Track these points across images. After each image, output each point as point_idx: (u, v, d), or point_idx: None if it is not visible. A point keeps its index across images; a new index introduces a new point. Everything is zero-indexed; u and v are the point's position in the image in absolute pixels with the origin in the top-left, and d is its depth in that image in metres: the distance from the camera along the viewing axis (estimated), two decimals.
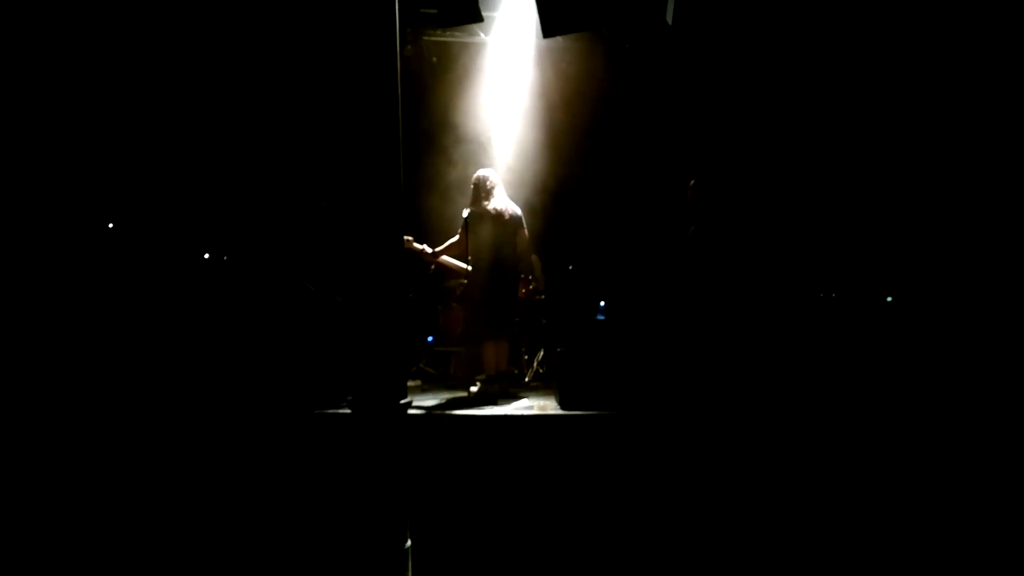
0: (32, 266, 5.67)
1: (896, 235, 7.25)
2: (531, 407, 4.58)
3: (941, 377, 4.52)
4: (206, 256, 6.34)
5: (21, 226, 5.89)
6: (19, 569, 3.74)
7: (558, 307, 6.87)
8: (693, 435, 4.03)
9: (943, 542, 3.74)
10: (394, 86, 3.40)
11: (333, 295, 5.62)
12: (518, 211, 5.32)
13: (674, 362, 4.48)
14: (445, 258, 5.70)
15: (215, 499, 4.06)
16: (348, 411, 3.32)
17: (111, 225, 6.47)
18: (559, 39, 6.85)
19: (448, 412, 4.32)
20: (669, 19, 5.03)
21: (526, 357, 6.24)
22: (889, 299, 6.35)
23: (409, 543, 3.35)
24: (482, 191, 5.20)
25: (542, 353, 6.37)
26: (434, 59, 7.34)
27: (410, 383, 5.76)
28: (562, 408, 4.37)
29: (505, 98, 7.23)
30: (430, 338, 6.82)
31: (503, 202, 5.23)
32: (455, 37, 7.15)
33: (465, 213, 5.21)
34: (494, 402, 4.79)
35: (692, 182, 5.84)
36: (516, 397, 5.08)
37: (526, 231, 5.35)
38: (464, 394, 5.28)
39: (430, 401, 4.83)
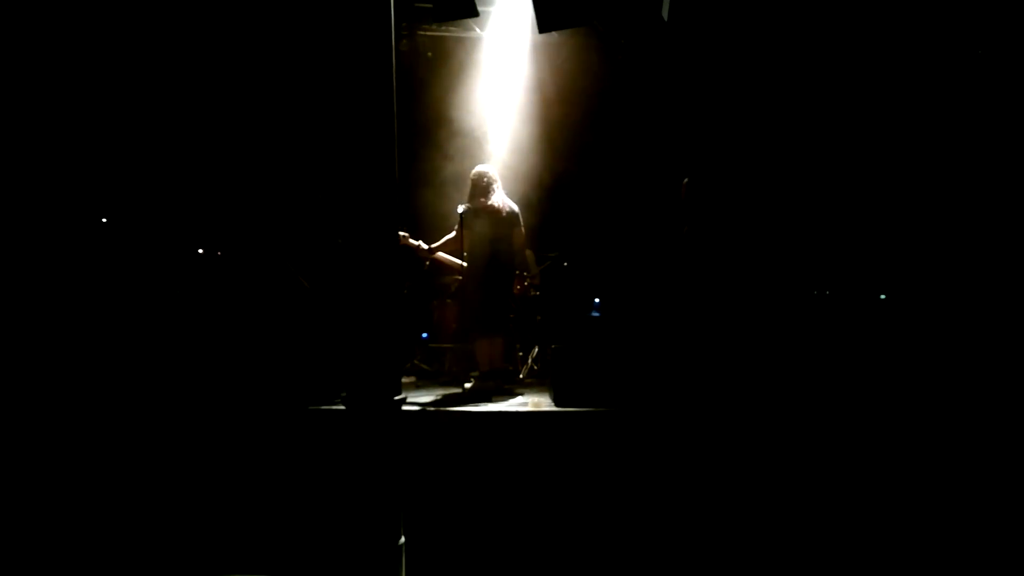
0: (26, 261, 5.63)
1: (890, 232, 7.27)
2: (525, 404, 4.58)
3: (935, 374, 4.54)
4: (200, 251, 6.30)
5: (16, 221, 5.85)
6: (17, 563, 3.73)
7: (553, 304, 6.86)
8: (687, 432, 4.04)
9: (941, 538, 3.76)
10: (389, 81, 3.38)
11: (327, 290, 5.61)
12: (515, 208, 5.31)
13: (668, 359, 4.49)
14: (440, 254, 5.68)
15: (209, 495, 4.05)
16: (342, 407, 3.31)
17: (104, 220, 6.43)
18: (554, 34, 6.84)
19: (442, 408, 4.32)
20: (665, 15, 5.03)
21: (520, 354, 6.23)
22: (883, 297, 6.36)
23: (403, 540, 3.34)
24: (479, 187, 5.18)
25: (536, 350, 6.37)
26: (429, 54, 7.32)
27: (404, 379, 5.75)
28: (556, 405, 4.37)
29: (500, 94, 7.21)
30: (424, 334, 6.81)
31: (500, 198, 5.22)
32: (450, 32, 7.12)
33: (461, 209, 5.19)
34: (488, 399, 4.79)
35: (686, 180, 5.85)
36: (511, 394, 5.08)
37: (522, 228, 5.34)
38: (458, 390, 5.28)
39: (424, 397, 4.82)
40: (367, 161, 3.37)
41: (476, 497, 3.94)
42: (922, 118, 7.24)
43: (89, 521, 4.03)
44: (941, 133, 7.15)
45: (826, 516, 3.86)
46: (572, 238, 7.42)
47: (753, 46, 7.03)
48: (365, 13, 3.35)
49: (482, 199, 5.15)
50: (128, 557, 3.93)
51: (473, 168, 5.36)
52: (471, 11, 4.70)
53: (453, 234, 5.34)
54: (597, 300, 7.40)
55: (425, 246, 5.56)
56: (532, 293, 6.43)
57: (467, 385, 5.27)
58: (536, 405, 4.47)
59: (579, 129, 7.53)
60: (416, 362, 6.50)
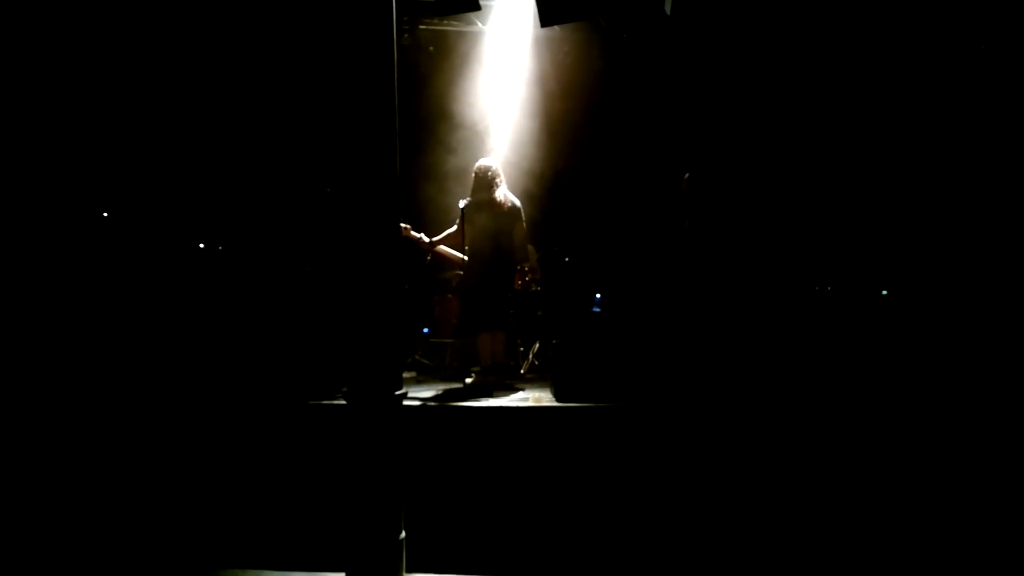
0: (28, 255, 5.63)
1: (891, 228, 7.26)
2: (526, 399, 4.57)
3: (936, 369, 4.53)
4: (201, 246, 6.30)
5: (18, 214, 5.85)
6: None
7: (554, 299, 6.86)
8: (688, 427, 4.03)
9: (941, 535, 3.76)
10: (390, 75, 3.37)
11: (327, 284, 5.60)
12: (517, 202, 5.29)
13: (669, 354, 4.48)
14: (442, 248, 5.67)
15: (210, 489, 4.05)
16: (343, 402, 3.31)
17: (105, 214, 6.42)
18: (556, 28, 6.81)
19: (443, 403, 4.32)
20: (668, 9, 5.01)
21: (522, 349, 6.23)
22: (884, 292, 6.35)
23: (403, 535, 3.34)
24: (482, 181, 5.17)
25: (538, 345, 6.36)
26: (431, 48, 7.29)
27: (405, 374, 5.74)
28: (557, 400, 4.36)
29: (502, 88, 7.19)
30: (425, 329, 6.81)
31: (502, 193, 5.20)
32: (452, 26, 7.10)
33: (463, 203, 5.18)
34: (489, 394, 4.79)
35: (687, 175, 5.83)
36: (511, 389, 5.07)
37: (524, 223, 5.32)
38: (459, 385, 5.28)
39: (425, 392, 4.82)
40: (369, 155, 3.36)
41: (477, 492, 3.94)
42: (925, 113, 7.22)
43: (88, 512, 4.04)
44: (944, 130, 7.13)
45: (827, 511, 3.86)
46: (573, 233, 7.41)
47: (755, 41, 7.00)
48: (367, 7, 3.33)
49: (484, 193, 5.14)
50: (128, 549, 3.94)
51: (475, 162, 5.34)
52: (473, 5, 4.69)
53: (454, 228, 5.32)
54: (598, 296, 7.40)
55: (427, 239, 5.55)
56: (533, 288, 6.42)
57: (468, 380, 5.27)
58: (537, 400, 4.47)
59: (581, 124, 7.51)
60: (417, 357, 6.50)
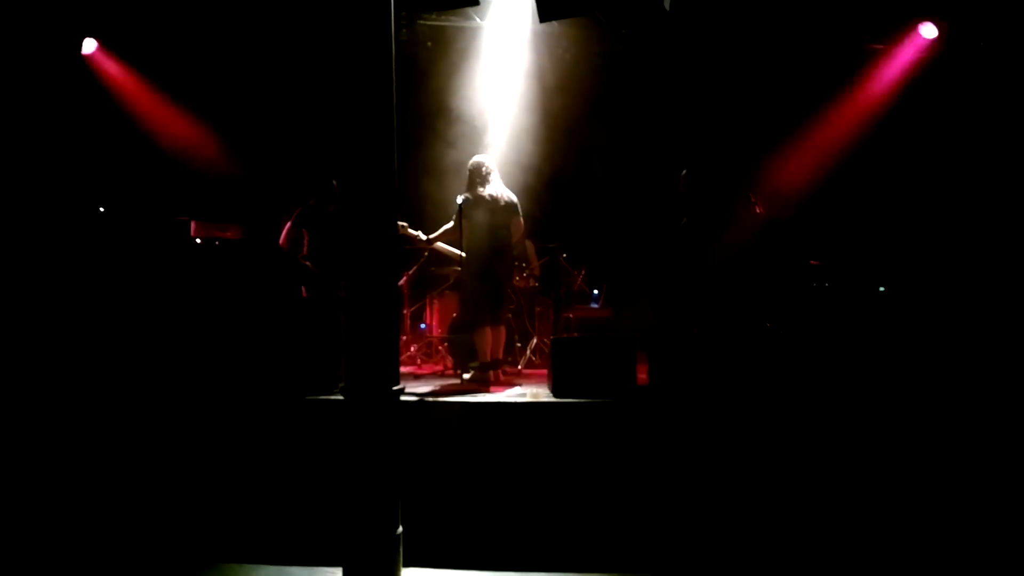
0: (23, 250, 5.63)
1: (889, 224, 7.26)
2: (524, 394, 4.58)
3: (934, 365, 4.54)
4: (197, 241, 6.29)
5: (12, 210, 5.84)
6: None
7: (553, 294, 6.85)
8: (685, 423, 4.04)
9: (941, 534, 3.77)
10: (388, 70, 3.36)
11: (325, 281, 5.60)
12: (514, 198, 5.29)
13: (666, 350, 4.48)
14: (439, 244, 5.67)
15: (207, 484, 4.06)
16: (340, 397, 3.31)
17: (101, 209, 6.41)
18: (555, 24, 6.79)
19: (441, 399, 4.32)
20: (667, 4, 5.01)
21: (519, 344, 6.24)
22: (881, 289, 6.35)
23: (400, 529, 3.35)
24: (477, 177, 5.16)
25: (535, 340, 6.37)
26: (429, 43, 7.28)
27: (402, 369, 5.74)
28: (555, 395, 4.37)
29: (500, 83, 7.17)
30: (423, 325, 6.81)
31: (498, 188, 5.20)
32: (450, 21, 7.08)
33: (459, 199, 5.18)
34: (487, 389, 4.79)
35: (684, 172, 5.83)
36: (509, 384, 5.08)
37: (521, 218, 5.32)
38: (457, 381, 5.28)
39: (423, 388, 4.82)
40: (367, 150, 3.36)
41: (474, 487, 3.95)
42: (923, 110, 7.22)
43: (86, 507, 4.04)
44: (943, 127, 7.14)
45: (827, 508, 3.87)
46: (571, 229, 7.40)
47: (753, 37, 6.99)
48: (365, 2, 3.33)
49: (480, 189, 5.13)
50: (125, 543, 3.94)
51: (471, 158, 5.34)
52: (471, 0, 4.67)
53: (451, 224, 5.32)
54: (596, 291, 7.41)
55: (424, 236, 5.54)
56: (531, 283, 6.42)
57: (466, 376, 5.28)
58: (534, 396, 4.47)
59: (579, 119, 7.49)
60: (415, 352, 6.50)
